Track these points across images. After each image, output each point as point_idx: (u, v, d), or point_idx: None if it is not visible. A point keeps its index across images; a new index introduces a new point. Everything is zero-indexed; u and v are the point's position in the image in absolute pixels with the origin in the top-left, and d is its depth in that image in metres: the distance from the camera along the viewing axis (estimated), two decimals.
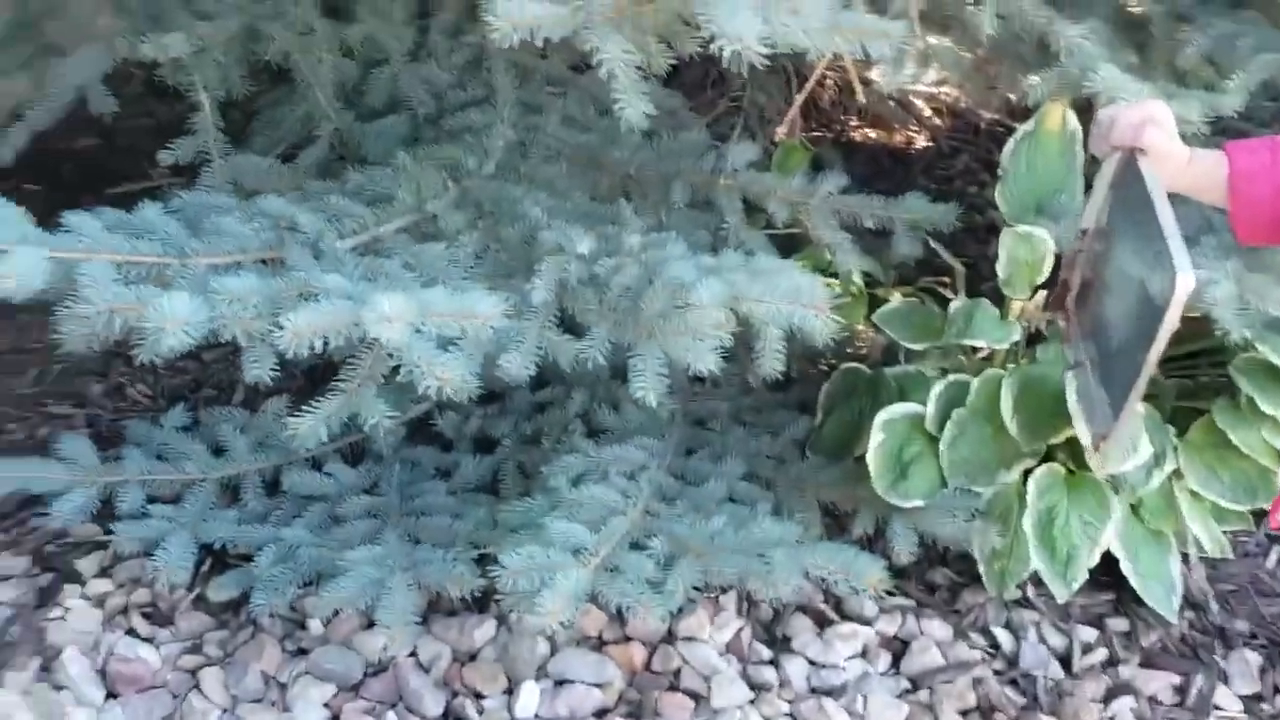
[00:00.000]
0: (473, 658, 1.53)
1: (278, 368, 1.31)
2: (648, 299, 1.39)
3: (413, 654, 1.53)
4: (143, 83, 2.66)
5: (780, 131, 1.92)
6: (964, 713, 1.52)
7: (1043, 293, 1.76)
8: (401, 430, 1.78)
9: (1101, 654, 1.61)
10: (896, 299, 1.87)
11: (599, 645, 1.56)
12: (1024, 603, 1.67)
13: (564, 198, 1.69)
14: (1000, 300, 1.75)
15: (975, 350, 1.78)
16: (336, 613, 1.53)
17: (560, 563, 1.40)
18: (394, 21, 1.87)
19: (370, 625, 1.54)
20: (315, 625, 1.55)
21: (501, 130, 1.76)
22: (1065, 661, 1.60)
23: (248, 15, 1.75)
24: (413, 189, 1.60)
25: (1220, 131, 1.68)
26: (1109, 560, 1.61)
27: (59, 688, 1.46)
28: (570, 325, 1.50)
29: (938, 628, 1.63)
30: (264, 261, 1.39)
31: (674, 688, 1.53)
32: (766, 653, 1.58)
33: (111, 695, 1.47)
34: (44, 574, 1.62)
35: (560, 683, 1.51)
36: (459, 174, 1.69)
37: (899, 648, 1.61)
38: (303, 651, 1.52)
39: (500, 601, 1.46)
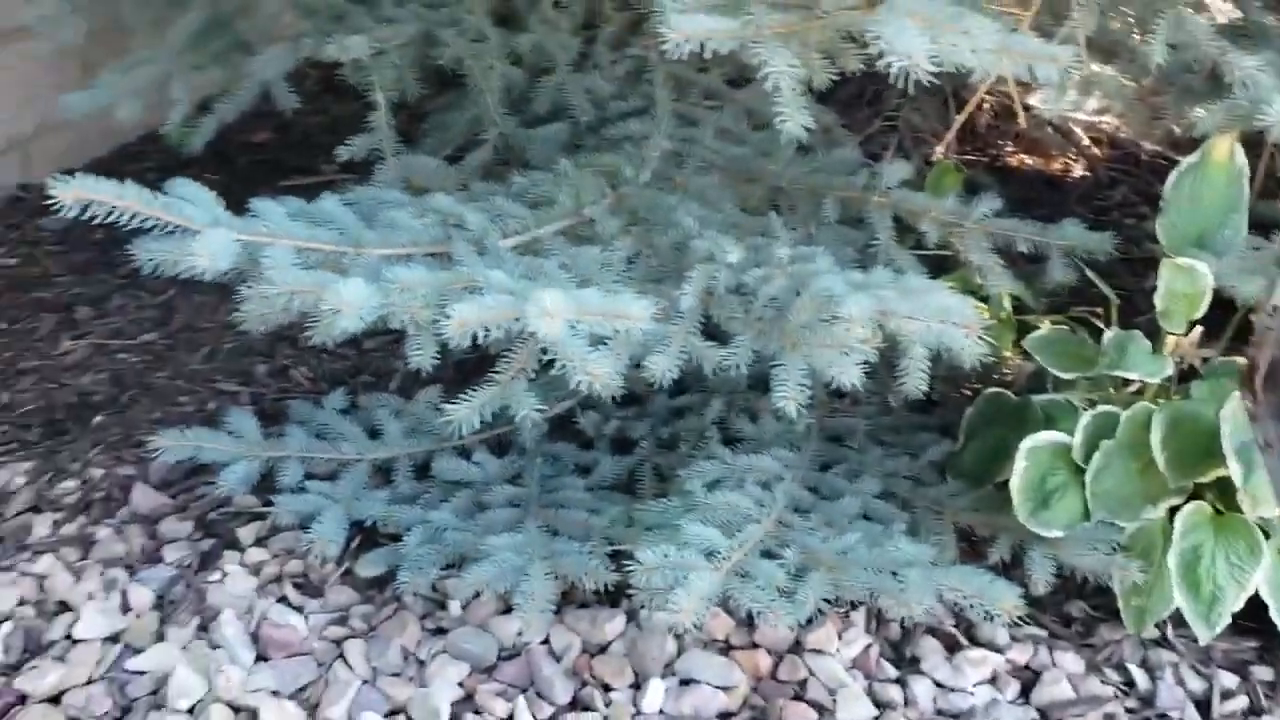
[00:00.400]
0: (602, 650, 1.57)
1: (437, 357, 1.38)
2: (795, 310, 1.41)
3: (545, 642, 1.57)
4: (317, 81, 2.81)
5: (938, 151, 1.91)
6: None
7: (1198, 329, 1.72)
8: (545, 426, 1.83)
9: (1242, 702, 1.56)
10: (1046, 327, 1.84)
11: (726, 649, 1.58)
12: (1162, 642, 1.63)
13: (716, 208, 1.73)
14: (1154, 334, 1.72)
15: (1126, 383, 1.75)
16: (476, 595, 1.58)
17: (694, 563, 1.43)
18: (561, 32, 1.94)
19: (507, 610, 1.59)
20: (455, 606, 1.61)
21: (658, 140, 1.81)
22: (1203, 706, 1.56)
23: (425, 21, 1.84)
24: (572, 194, 1.66)
25: None
26: (1256, 605, 1.56)
27: (214, 646, 1.55)
28: (714, 333, 1.53)
29: (1071, 660, 1.60)
30: (432, 255, 1.46)
31: (798, 697, 1.53)
32: (893, 671, 1.58)
33: (261, 658, 1.55)
34: (206, 539, 1.72)
35: (686, 682, 1.54)
36: (616, 181, 1.74)
37: (1029, 677, 1.58)
38: (442, 631, 1.58)
39: (632, 597, 1.50)
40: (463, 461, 1.76)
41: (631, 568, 1.44)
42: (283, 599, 1.63)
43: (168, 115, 1.95)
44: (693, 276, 1.49)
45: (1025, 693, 1.57)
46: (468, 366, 1.96)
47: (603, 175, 1.73)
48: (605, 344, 1.35)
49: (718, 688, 1.53)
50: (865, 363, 1.41)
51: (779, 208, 1.82)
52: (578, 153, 1.82)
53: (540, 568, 1.53)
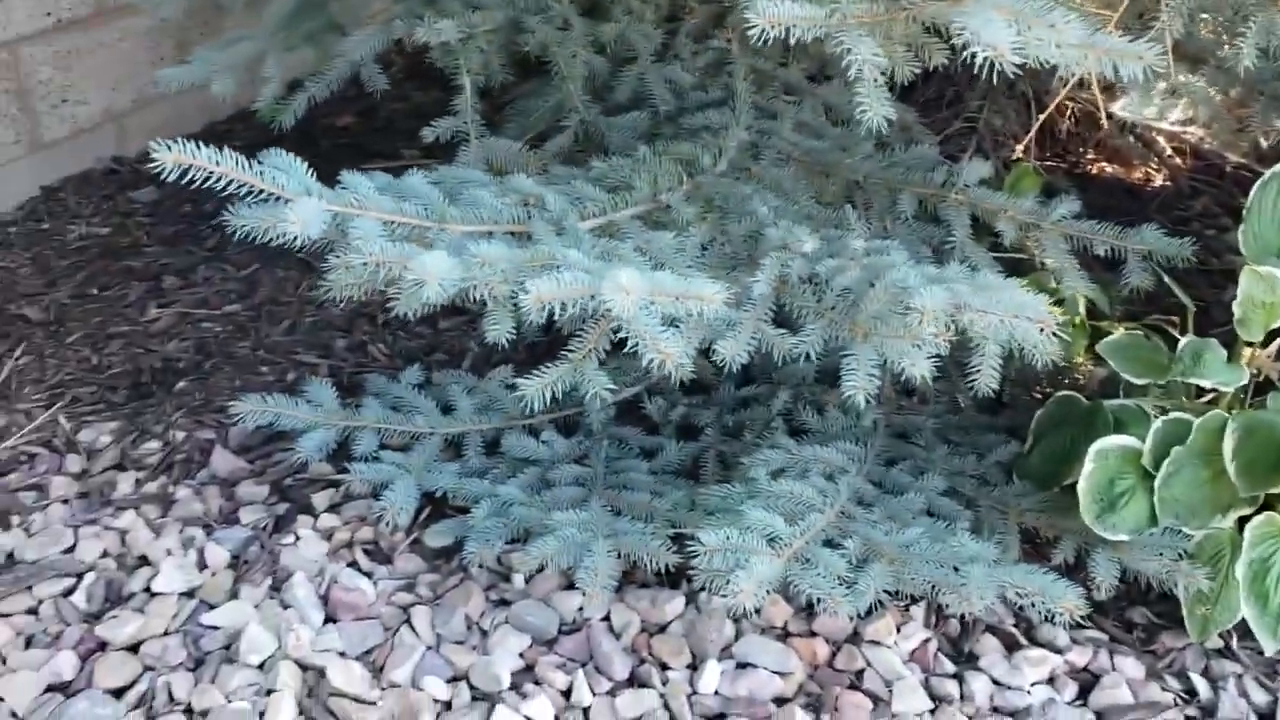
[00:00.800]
0: (661, 630, 1.59)
1: (512, 335, 1.41)
2: (867, 300, 1.42)
3: (606, 618, 1.60)
4: (402, 69, 2.87)
5: (1018, 152, 1.91)
6: None
7: (1277, 341, 1.70)
8: (612, 410, 1.86)
9: None
10: (1120, 332, 1.83)
11: (784, 636, 1.60)
12: (1226, 653, 1.61)
13: (791, 199, 1.74)
14: (1230, 346, 1.70)
15: (1200, 392, 1.73)
16: (540, 569, 1.61)
17: (755, 547, 1.44)
18: (645, 22, 1.96)
19: (569, 586, 1.62)
20: (519, 579, 1.64)
21: (736, 132, 1.82)
22: (1267, 719, 1.54)
23: (513, 8, 1.88)
24: (650, 180, 1.68)
25: None
26: None
27: (286, 606, 1.59)
28: (785, 322, 1.55)
29: (1131, 666, 1.59)
30: (512, 234, 1.49)
31: (854, 687, 1.54)
32: (951, 667, 1.58)
33: (330, 620, 1.59)
34: (281, 503, 1.77)
35: (743, 665, 1.55)
36: (693, 169, 1.76)
37: (1088, 680, 1.58)
38: (505, 602, 1.62)
39: (691, 580, 1.52)
40: (531, 439, 1.80)
41: (693, 550, 1.46)
42: (353, 564, 1.67)
43: (259, 93, 2.01)
44: (766, 264, 1.51)
45: (1083, 695, 1.56)
46: (539, 349, 1.99)
47: (680, 163, 1.75)
48: (677, 325, 1.37)
49: (774, 673, 1.54)
50: (936, 357, 1.42)
51: (854, 202, 1.83)
52: (656, 141, 1.84)
53: (603, 545, 1.56)
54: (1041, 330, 1.34)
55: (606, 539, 1.57)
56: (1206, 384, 1.66)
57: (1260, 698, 1.56)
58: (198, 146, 1.34)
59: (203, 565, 1.66)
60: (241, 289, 2.28)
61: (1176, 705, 1.55)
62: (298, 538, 1.71)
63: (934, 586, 1.50)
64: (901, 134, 2.04)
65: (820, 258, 1.54)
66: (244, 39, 1.96)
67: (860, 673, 1.56)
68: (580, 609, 1.60)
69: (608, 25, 1.94)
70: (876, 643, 1.59)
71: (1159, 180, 2.71)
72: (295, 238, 1.29)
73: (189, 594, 1.62)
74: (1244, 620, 1.55)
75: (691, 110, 1.91)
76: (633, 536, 1.59)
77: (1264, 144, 2.21)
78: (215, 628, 1.57)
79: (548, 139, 1.94)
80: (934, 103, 2.46)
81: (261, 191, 1.34)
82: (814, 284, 1.52)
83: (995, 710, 1.54)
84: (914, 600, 1.64)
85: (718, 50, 1.99)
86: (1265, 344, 1.70)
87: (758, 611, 1.59)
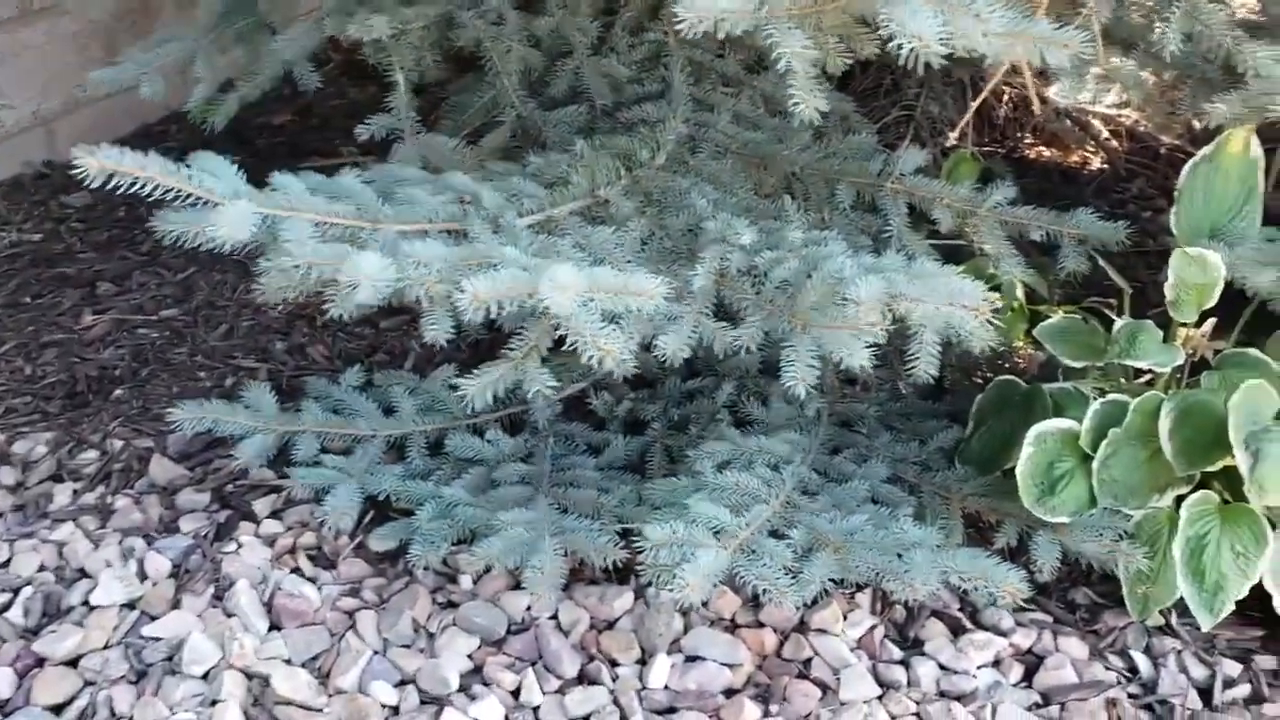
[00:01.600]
0: (610, 626, 1.59)
1: (452, 333, 1.40)
2: (805, 291, 1.42)
3: (554, 617, 1.59)
4: (337, 66, 2.84)
5: (953, 139, 1.92)
6: None
7: (1210, 320, 1.73)
8: (557, 406, 1.86)
9: (1245, 690, 1.57)
10: (1058, 315, 1.85)
11: (732, 627, 1.60)
12: (1166, 630, 1.64)
13: (730, 192, 1.74)
14: (1166, 326, 1.72)
15: (1138, 373, 1.76)
16: (486, 570, 1.61)
17: (701, 540, 1.45)
18: (580, 15, 1.95)
19: (516, 586, 1.61)
20: (465, 581, 1.63)
21: (674, 124, 1.82)
22: (1205, 693, 1.56)
23: (446, 3, 1.86)
24: (588, 175, 1.67)
25: None
26: (1261, 595, 1.57)
27: (229, 615, 1.57)
28: (726, 314, 1.55)
29: (1074, 646, 1.61)
30: (448, 232, 1.48)
31: (803, 676, 1.55)
32: (898, 653, 1.59)
33: (275, 627, 1.57)
34: (223, 510, 1.75)
35: (692, 659, 1.55)
36: (631, 163, 1.75)
37: (1033, 662, 1.59)
38: (452, 604, 1.61)
39: (640, 574, 1.52)
40: (476, 439, 1.79)
41: (640, 545, 1.45)
42: (296, 570, 1.65)
43: (190, 94, 1.98)
44: (705, 257, 1.51)
45: (1028, 676, 1.58)
46: (482, 347, 1.98)
47: (618, 157, 1.75)
48: (618, 321, 1.37)
49: (723, 665, 1.55)
50: (875, 346, 1.43)
51: (793, 193, 1.83)
52: (594, 135, 1.83)
53: (550, 544, 1.55)
54: (976, 317, 1.35)
55: (553, 537, 1.56)
56: (1142, 365, 1.68)
57: (1199, 673, 1.59)
58: (126, 150, 1.31)
59: (143, 576, 1.63)
60: (178, 294, 2.24)
61: (1119, 683, 1.57)
62: (240, 545, 1.68)
63: (878, 573, 1.51)
64: (839, 123, 2.05)
65: (759, 250, 1.54)
66: (174, 40, 1.93)
67: (808, 661, 1.57)
68: (528, 608, 1.60)
69: (542, 19, 1.93)
70: (824, 631, 1.60)
71: (1096, 163, 2.75)
72: (224, 243, 1.26)
73: (130, 605, 1.59)
74: (1183, 597, 1.57)
75: (629, 104, 1.91)
76: (580, 534, 1.58)
77: (1197, 126, 2.25)
78: (157, 639, 1.54)
79: (484, 135, 1.93)
80: (872, 91, 2.48)
81: (190, 195, 1.32)
82: (753, 276, 1.53)
83: (942, 695, 1.55)
84: (860, 587, 1.65)
85: (654, 43, 1.98)
86: (1199, 324, 1.73)
87: (705, 604, 1.59)
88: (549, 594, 1.54)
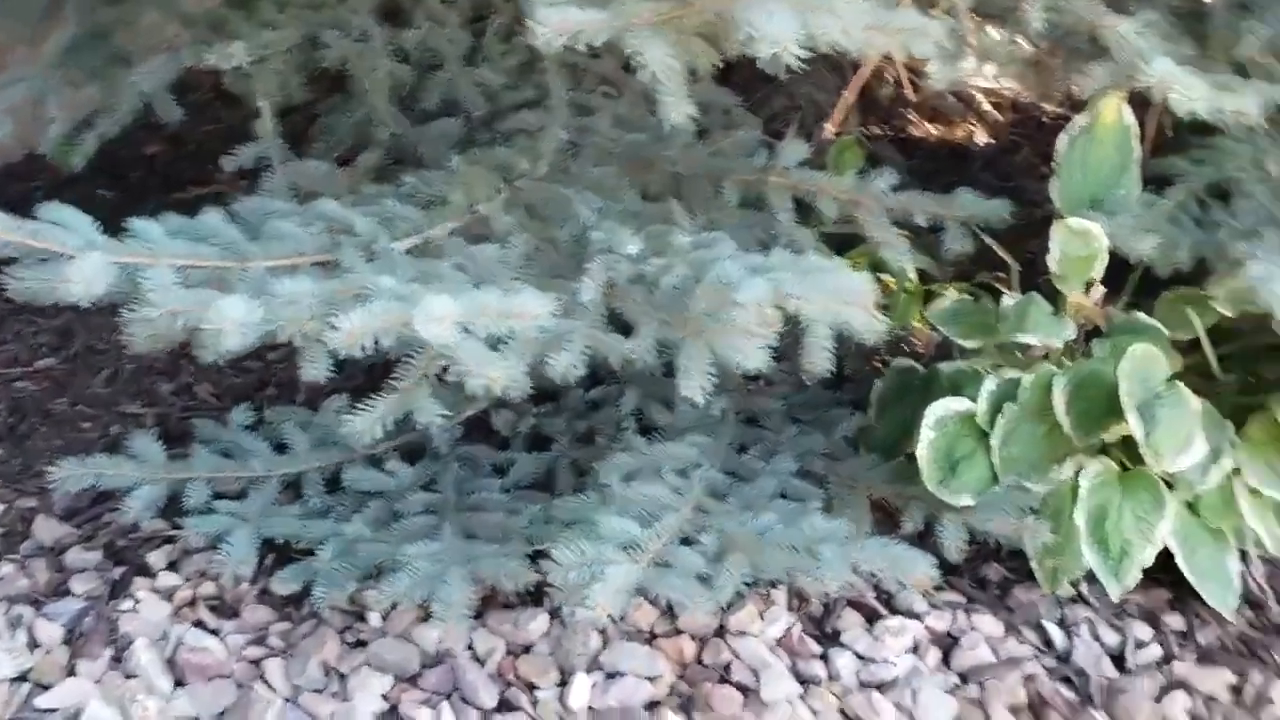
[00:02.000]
0: (526, 650, 1.56)
1: (336, 367, 1.36)
2: (694, 297, 1.40)
3: (469, 647, 1.56)
4: (211, 89, 2.75)
5: (828, 129, 1.92)
6: (1014, 709, 1.51)
7: (1100, 289, 1.75)
8: (458, 429, 1.82)
9: (1156, 651, 1.59)
10: (950, 296, 1.86)
11: (650, 639, 1.58)
12: (1078, 599, 1.66)
13: (615, 198, 1.71)
14: (1055, 297, 1.74)
15: (1031, 347, 1.77)
16: (395, 606, 1.56)
17: (611, 557, 1.42)
18: (449, 25, 1.90)
19: (427, 618, 1.57)
20: (374, 618, 1.59)
21: (554, 131, 1.79)
22: (1119, 659, 1.59)
23: (307, 24, 1.80)
24: (465, 192, 1.63)
25: None
26: (1167, 558, 1.60)
27: (130, 676, 1.51)
28: (621, 324, 1.52)
29: (989, 624, 1.62)
30: (321, 264, 1.43)
31: (724, 680, 1.54)
32: (816, 647, 1.59)
33: (180, 684, 1.52)
34: (116, 567, 1.68)
35: (612, 675, 1.53)
36: (511, 176, 1.72)
37: (950, 643, 1.60)
38: (362, 643, 1.56)
39: (553, 596, 1.50)
40: (374, 471, 1.74)
41: (550, 567, 1.43)
42: (198, 623, 1.60)
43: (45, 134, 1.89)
44: (592, 269, 1.48)
45: (946, 658, 1.59)
46: (377, 371, 1.92)
47: (497, 170, 1.71)
48: (505, 344, 1.34)
49: (643, 678, 1.53)
50: (769, 346, 1.41)
51: (680, 194, 1.81)
52: (471, 149, 1.79)
53: (458, 573, 1.51)
54: (864, 311, 1.34)
55: (461, 566, 1.53)
56: (1033, 340, 1.69)
57: (1112, 639, 1.61)
58: None
59: (34, 645, 1.56)
60: (55, 341, 2.15)
61: (1035, 657, 1.59)
62: (137, 601, 1.62)
63: (790, 571, 1.50)
64: (723, 118, 2.03)
65: (646, 257, 1.52)
66: (22, 80, 1.84)
67: (728, 666, 1.55)
68: (440, 640, 1.56)
69: (409, 32, 1.88)
70: (742, 633, 1.59)
71: (983, 137, 2.78)
72: (79, 299, 1.21)
73: (20, 678, 1.52)
74: (1090, 567, 1.59)
75: (505, 113, 1.87)
76: (489, 560, 1.55)
77: (1076, 92, 2.27)
78: (52, 710, 1.47)
79: (358, 155, 1.87)
80: (755, 82, 2.46)
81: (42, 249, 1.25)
82: (643, 284, 1.50)
83: (863, 685, 1.55)
84: (774, 585, 1.64)
85: (528, 48, 1.94)
86: (1086, 292, 1.74)
87: (622, 618, 1.57)
88: (460, 625, 1.50)
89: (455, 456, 1.78)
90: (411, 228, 1.55)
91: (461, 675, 1.53)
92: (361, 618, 1.59)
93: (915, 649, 1.60)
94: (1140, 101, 1.83)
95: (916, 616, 1.63)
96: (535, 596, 1.60)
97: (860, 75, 1.81)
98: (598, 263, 1.50)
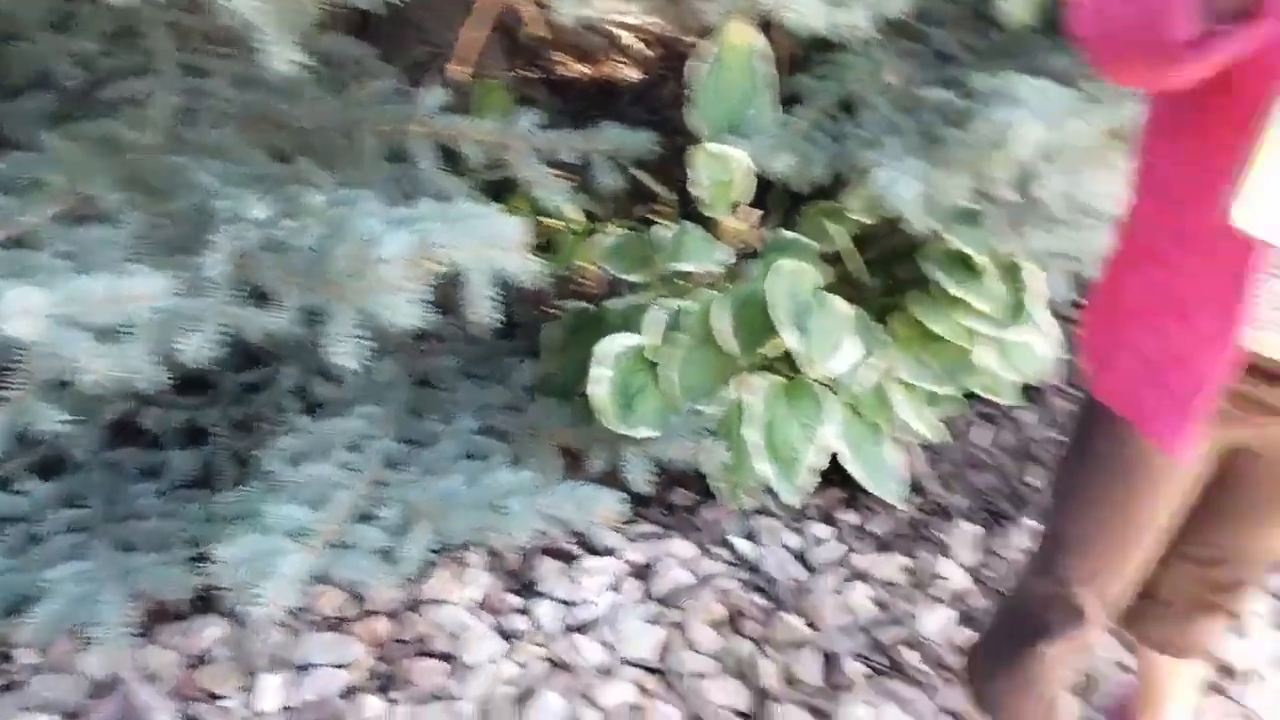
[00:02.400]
0: (204, 660, 1.44)
1: None
2: (335, 257, 1.31)
3: (139, 667, 1.42)
4: None
5: (457, 68, 1.86)
6: (714, 624, 1.55)
7: (756, 211, 1.79)
8: (101, 434, 1.64)
9: (837, 548, 1.67)
10: (612, 232, 1.85)
11: (339, 624, 1.50)
12: (763, 511, 1.71)
13: (240, 162, 1.58)
14: (710, 222, 1.77)
15: (692, 274, 1.79)
16: (51, 638, 1.40)
17: (280, 548, 1.32)
18: None
19: (88, 644, 1.42)
20: (27, 655, 1.43)
21: (163, 97, 1.62)
22: (804, 560, 1.65)
23: None
24: (65, 172, 1.46)
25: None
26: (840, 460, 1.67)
27: None
28: (262, 296, 1.41)
29: (682, 547, 1.65)
30: None
31: (424, 653, 1.49)
32: (517, 600, 1.56)
33: None
34: None
35: (303, 668, 1.45)
36: (118, 149, 1.55)
37: (648, 573, 1.62)
38: (14, 685, 1.40)
39: (224, 598, 1.38)
40: (3, 494, 1.54)
41: (216, 568, 1.31)
42: None
43: None
44: (218, 240, 1.36)
45: (648, 588, 1.60)
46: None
47: (101, 145, 1.53)
48: (124, 332, 1.20)
49: (337, 667, 1.45)
50: (427, 301, 1.35)
51: (315, 152, 1.70)
52: (69, 123, 1.60)
53: (114, 591, 1.37)
54: (517, 253, 1.30)
55: (118, 582, 1.38)
56: (691, 268, 1.71)
57: (795, 542, 1.68)
58: None
59: None
60: None
61: (728, 572, 1.63)
62: None
63: (478, 530, 1.46)
64: (356, 68, 1.92)
65: (277, 220, 1.41)
66: None
67: (424, 637, 1.50)
68: (107, 666, 1.42)
69: None
70: (440, 601, 1.54)
71: (630, 73, 2.80)
72: None
73: None
74: (767, 478, 1.64)
75: (106, 82, 1.68)
76: (149, 571, 1.41)
77: (711, 24, 2.31)
78: None
79: None
80: (394, 34, 2.36)
81: None
82: (277, 250, 1.39)
83: (567, 629, 1.54)
84: (467, 547, 1.60)
85: (128, 10, 1.75)
86: (735, 214, 1.78)
87: (304, 610, 1.48)
88: (124, 645, 1.36)
89: (100, 464, 1.61)
90: (3, 218, 1.36)
91: (135, 698, 1.40)
92: (7, 658, 1.42)
93: (615, 585, 1.60)
94: (765, 25, 1.88)
95: (612, 553, 1.63)
96: (206, 602, 1.48)
97: (482, 10, 1.75)
98: (223, 233, 1.37)
